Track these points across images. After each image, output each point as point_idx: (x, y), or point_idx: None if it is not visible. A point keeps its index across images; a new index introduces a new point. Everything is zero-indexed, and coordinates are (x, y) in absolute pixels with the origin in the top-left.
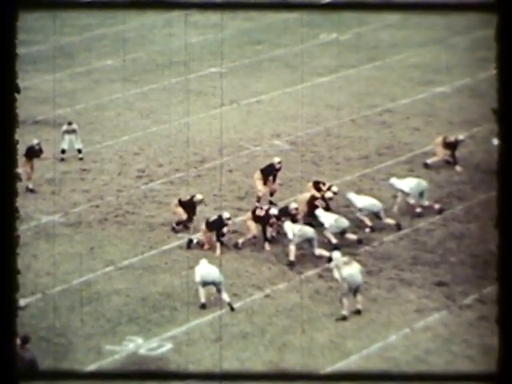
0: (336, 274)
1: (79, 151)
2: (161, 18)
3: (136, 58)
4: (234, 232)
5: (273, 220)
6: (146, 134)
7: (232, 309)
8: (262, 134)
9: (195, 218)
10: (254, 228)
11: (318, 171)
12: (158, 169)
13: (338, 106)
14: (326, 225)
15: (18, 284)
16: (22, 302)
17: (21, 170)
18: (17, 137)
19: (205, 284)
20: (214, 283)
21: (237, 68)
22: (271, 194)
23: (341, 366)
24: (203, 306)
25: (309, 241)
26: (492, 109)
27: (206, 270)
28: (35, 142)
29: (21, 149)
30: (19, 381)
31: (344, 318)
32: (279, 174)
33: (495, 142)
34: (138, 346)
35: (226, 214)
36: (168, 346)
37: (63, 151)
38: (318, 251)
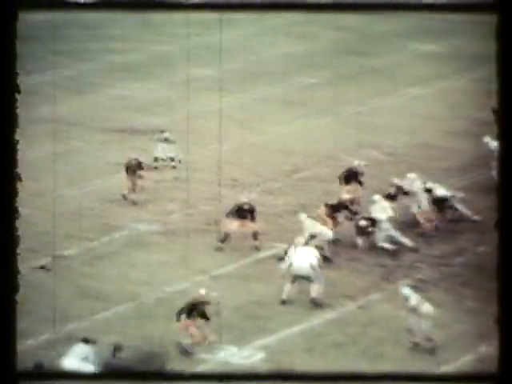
0: (413, 303)
1: (172, 160)
2: (258, 28)
3: (233, 67)
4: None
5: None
6: (241, 143)
7: (316, 304)
8: (359, 144)
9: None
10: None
11: None
12: (254, 178)
13: (436, 116)
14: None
15: (18, 284)
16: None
17: (124, 183)
18: (110, 143)
19: (295, 278)
20: (304, 277)
21: (334, 79)
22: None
23: None
24: (283, 302)
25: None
26: (492, 109)
27: (300, 259)
28: (134, 157)
29: (115, 158)
30: (19, 381)
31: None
32: (378, 185)
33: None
34: (230, 354)
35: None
36: (260, 354)
37: (156, 159)
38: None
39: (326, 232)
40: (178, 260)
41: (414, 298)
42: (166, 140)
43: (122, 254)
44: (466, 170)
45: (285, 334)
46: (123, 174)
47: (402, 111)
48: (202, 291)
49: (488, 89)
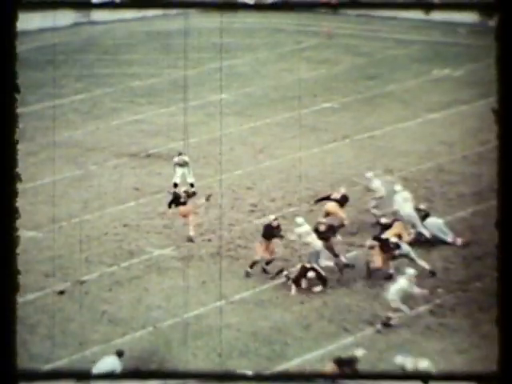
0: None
1: (191, 185)
2: (274, 54)
3: (249, 92)
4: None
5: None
6: (258, 168)
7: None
8: (375, 169)
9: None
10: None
11: (431, 207)
12: (271, 203)
13: (451, 141)
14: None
15: (18, 284)
16: None
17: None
18: (126, 167)
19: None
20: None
21: (349, 103)
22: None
23: None
24: (388, 320)
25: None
26: (492, 109)
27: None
28: (182, 191)
29: (132, 182)
30: (19, 381)
31: None
32: (391, 210)
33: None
34: None
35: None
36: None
37: (175, 185)
38: (324, 262)
39: (316, 243)
40: (196, 285)
41: (409, 363)
42: (186, 164)
43: (140, 278)
44: (481, 196)
45: (302, 359)
46: (168, 208)
47: (417, 136)
48: (359, 352)
49: None
